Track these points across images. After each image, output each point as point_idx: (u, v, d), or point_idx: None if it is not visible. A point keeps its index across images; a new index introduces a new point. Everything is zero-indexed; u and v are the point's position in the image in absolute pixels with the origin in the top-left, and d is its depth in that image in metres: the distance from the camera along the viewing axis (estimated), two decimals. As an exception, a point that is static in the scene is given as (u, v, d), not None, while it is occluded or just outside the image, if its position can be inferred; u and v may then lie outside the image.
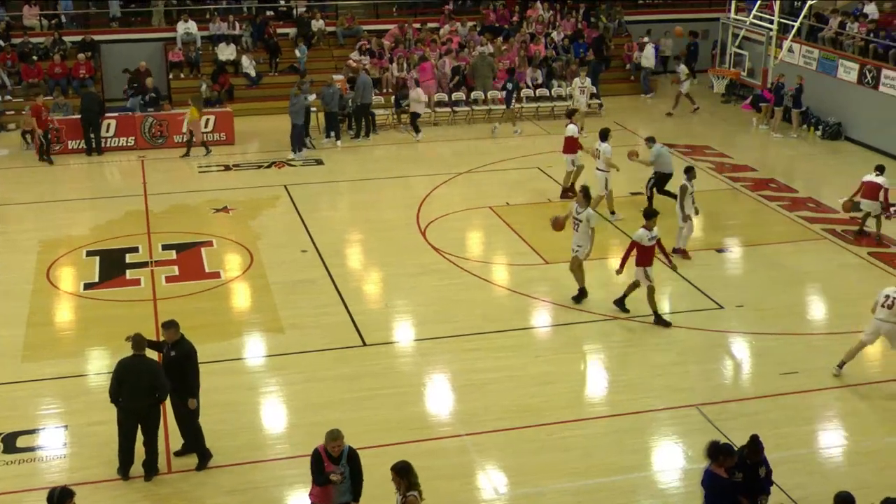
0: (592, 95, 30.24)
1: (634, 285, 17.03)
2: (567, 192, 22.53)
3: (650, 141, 22.08)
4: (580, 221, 17.36)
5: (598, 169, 21.39)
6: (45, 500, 9.79)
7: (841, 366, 15.22)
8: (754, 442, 10.93)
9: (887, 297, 14.72)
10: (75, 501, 9.89)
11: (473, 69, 31.23)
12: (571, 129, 22.61)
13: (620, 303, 17.28)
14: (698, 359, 15.87)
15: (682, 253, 19.46)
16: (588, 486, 12.57)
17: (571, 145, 22.53)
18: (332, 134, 27.51)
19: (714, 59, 32.05)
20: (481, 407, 14.34)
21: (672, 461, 13.28)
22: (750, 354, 16.32)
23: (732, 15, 29.72)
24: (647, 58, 33.25)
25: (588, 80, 29.17)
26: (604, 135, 21.53)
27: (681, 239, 19.56)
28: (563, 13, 35.56)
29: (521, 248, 19.92)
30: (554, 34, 34.27)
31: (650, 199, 21.42)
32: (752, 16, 28.81)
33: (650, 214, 16.94)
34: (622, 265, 17.02)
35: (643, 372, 15.39)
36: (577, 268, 17.59)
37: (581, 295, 17.64)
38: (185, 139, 26.83)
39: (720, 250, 20.22)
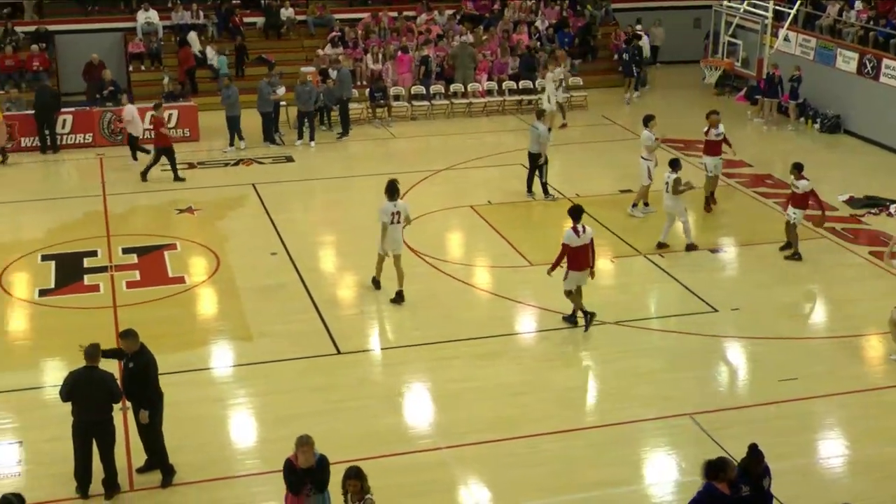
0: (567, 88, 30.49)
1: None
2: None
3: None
4: None
5: (641, 157, 21.59)
6: None
7: None
8: (754, 452, 10.88)
9: None
10: None
11: (454, 59, 31.28)
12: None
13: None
14: (691, 365, 15.94)
15: (693, 247, 19.98)
16: (572, 501, 12.61)
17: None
18: (305, 134, 27.40)
19: (706, 50, 32.17)
20: (460, 418, 14.36)
21: (664, 474, 13.33)
22: (746, 360, 16.41)
23: (726, 2, 29.89)
24: (643, 48, 33.31)
25: (559, 70, 29.14)
26: (646, 121, 21.81)
27: (687, 233, 19.98)
28: (546, 1, 35.65)
29: (504, 248, 19.97)
30: (538, 23, 34.37)
31: None
32: (746, 3, 28.97)
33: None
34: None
35: (632, 379, 15.45)
36: None
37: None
38: None
39: (714, 251, 20.33)
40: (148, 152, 25.08)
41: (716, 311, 17.65)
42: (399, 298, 17.79)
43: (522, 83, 31.36)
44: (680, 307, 17.91)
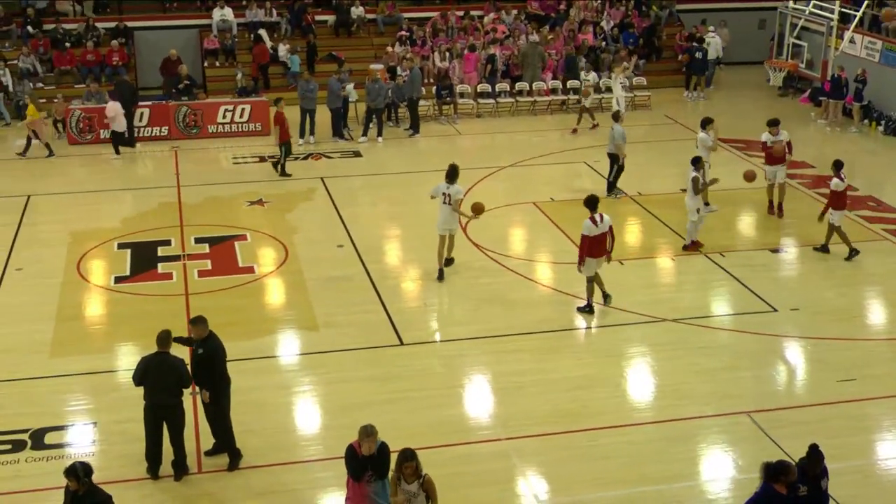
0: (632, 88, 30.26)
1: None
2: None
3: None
4: None
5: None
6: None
7: None
8: (814, 452, 10.68)
9: None
10: None
11: (523, 58, 31.20)
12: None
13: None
14: (750, 364, 15.73)
15: (697, 245, 19.71)
16: (631, 496, 12.51)
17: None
18: (372, 130, 27.46)
19: (771, 51, 31.76)
20: (520, 411, 14.32)
21: (721, 471, 13.17)
22: (805, 360, 16.16)
23: (791, 4, 29.47)
24: (714, 48, 32.87)
25: (622, 75, 28.87)
26: (703, 124, 21.69)
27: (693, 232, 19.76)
28: (612, 2, 35.41)
29: (566, 245, 19.85)
30: (603, 23, 34.16)
31: None
32: (811, 5, 28.54)
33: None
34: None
35: (691, 377, 15.29)
36: None
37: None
38: (27, 139, 26.25)
39: (775, 250, 20.05)
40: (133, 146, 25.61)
41: (775, 310, 17.40)
42: (440, 276, 18.37)
43: (570, 83, 31.10)
44: (739, 306, 17.69)
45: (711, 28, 33.32)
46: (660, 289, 18.61)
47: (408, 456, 10.29)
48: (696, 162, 19.44)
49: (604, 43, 33.31)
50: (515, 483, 12.80)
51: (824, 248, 19.63)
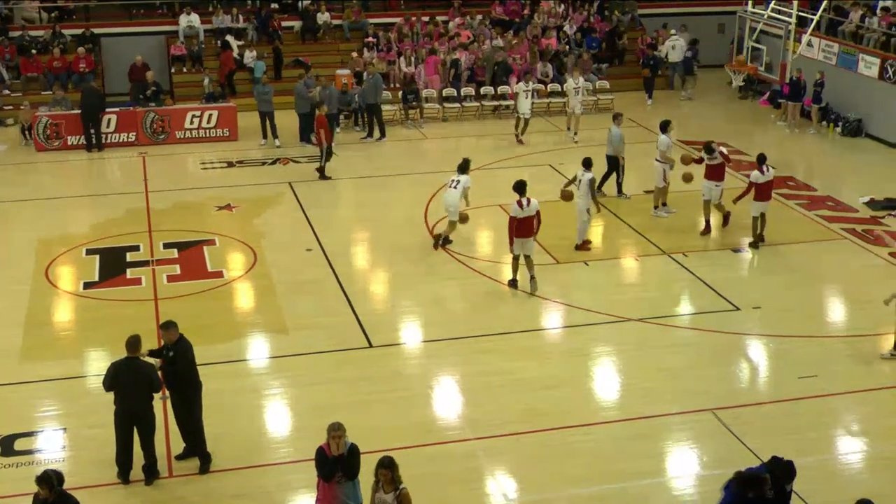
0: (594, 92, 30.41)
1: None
2: None
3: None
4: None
5: (656, 160, 21.52)
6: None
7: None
8: (789, 468, 10.61)
9: None
10: None
11: (486, 62, 31.28)
12: None
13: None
14: (713, 362, 15.85)
15: (587, 244, 19.93)
16: (599, 493, 12.57)
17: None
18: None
19: (731, 54, 32.00)
20: (489, 411, 14.35)
21: (686, 467, 13.26)
22: (767, 357, 16.30)
23: (750, 8, 29.72)
24: (677, 52, 33.00)
25: (581, 78, 28.94)
26: (663, 126, 21.74)
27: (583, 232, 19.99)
28: (574, 6, 35.54)
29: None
30: (566, 27, 34.28)
31: None
32: (770, 9, 28.80)
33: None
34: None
35: (655, 375, 15.38)
36: None
37: None
38: None
39: (736, 250, 20.20)
40: None
41: (737, 309, 17.53)
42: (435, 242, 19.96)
43: (551, 86, 31.32)
44: (702, 305, 17.82)
45: (674, 31, 33.50)
46: (624, 289, 18.69)
47: (383, 463, 10.24)
48: (588, 164, 19.64)
49: (567, 47, 33.42)
50: (485, 482, 12.83)
51: (756, 243, 20.14)
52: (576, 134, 27.72)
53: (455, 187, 19.61)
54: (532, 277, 17.95)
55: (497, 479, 12.92)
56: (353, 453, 10.63)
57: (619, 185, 22.85)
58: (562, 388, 14.95)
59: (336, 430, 10.51)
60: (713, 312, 17.46)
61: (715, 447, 13.38)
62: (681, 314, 17.52)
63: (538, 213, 17.73)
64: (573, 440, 13.67)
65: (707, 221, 20.76)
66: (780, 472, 10.61)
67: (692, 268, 19.13)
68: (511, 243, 17.79)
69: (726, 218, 20.94)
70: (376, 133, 27.96)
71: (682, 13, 36.08)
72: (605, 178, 22.68)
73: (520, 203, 17.57)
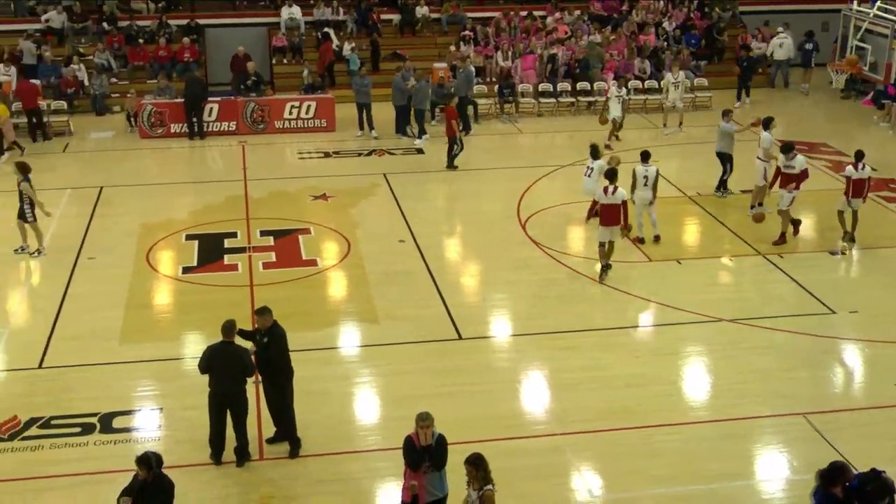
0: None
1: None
2: None
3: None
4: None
5: (757, 158, 21.17)
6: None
7: None
8: (885, 488, 10.11)
9: None
10: None
11: (582, 59, 31.05)
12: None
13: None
14: (807, 365, 15.51)
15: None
16: (685, 493, 12.41)
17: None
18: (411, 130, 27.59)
19: (834, 53, 31.29)
20: (576, 406, 14.27)
21: (776, 470, 13.00)
22: (863, 362, 15.90)
23: (855, 6, 29.01)
24: (784, 49, 32.31)
25: (682, 73, 28.55)
26: (766, 123, 21.37)
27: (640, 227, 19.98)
28: (674, 2, 35.11)
29: (624, 244, 19.70)
30: (665, 24, 33.87)
31: None
32: (876, 7, 28.06)
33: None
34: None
35: (746, 377, 15.10)
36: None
37: None
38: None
39: (834, 252, 19.73)
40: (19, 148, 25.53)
41: (833, 312, 17.14)
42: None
43: (648, 83, 31.00)
44: (797, 308, 17.44)
45: (781, 29, 32.78)
46: (717, 289, 18.41)
47: (468, 460, 10.22)
48: (646, 156, 19.82)
49: (665, 44, 33.02)
50: (570, 478, 12.76)
51: (849, 237, 19.77)
52: (680, 125, 27.46)
53: (590, 175, 20.21)
54: (605, 267, 18.21)
55: (582, 474, 12.83)
56: (441, 444, 10.66)
57: (724, 182, 22.46)
58: (649, 387, 14.78)
59: (424, 420, 10.56)
60: (808, 315, 17.08)
61: (806, 452, 13.09)
62: (774, 316, 17.16)
63: (625, 203, 17.98)
64: (660, 439, 13.51)
65: (795, 224, 20.26)
66: (873, 488, 10.21)
67: (787, 269, 18.75)
68: (588, 217, 19.44)
69: (796, 226, 20.26)
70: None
71: (784, 10, 35.38)
72: (726, 174, 22.38)
73: (606, 189, 17.94)
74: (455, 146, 24.61)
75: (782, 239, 19.74)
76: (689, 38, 33.39)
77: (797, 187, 19.66)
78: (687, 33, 33.57)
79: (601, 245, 18.18)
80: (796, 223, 20.23)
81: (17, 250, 19.49)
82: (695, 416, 14.17)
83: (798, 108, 30.44)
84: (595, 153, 20.47)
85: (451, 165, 24.64)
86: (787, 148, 19.84)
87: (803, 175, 19.72)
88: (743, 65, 31.16)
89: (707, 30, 33.90)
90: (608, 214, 17.97)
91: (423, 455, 10.57)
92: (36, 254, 19.37)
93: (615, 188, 17.92)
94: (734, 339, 16.31)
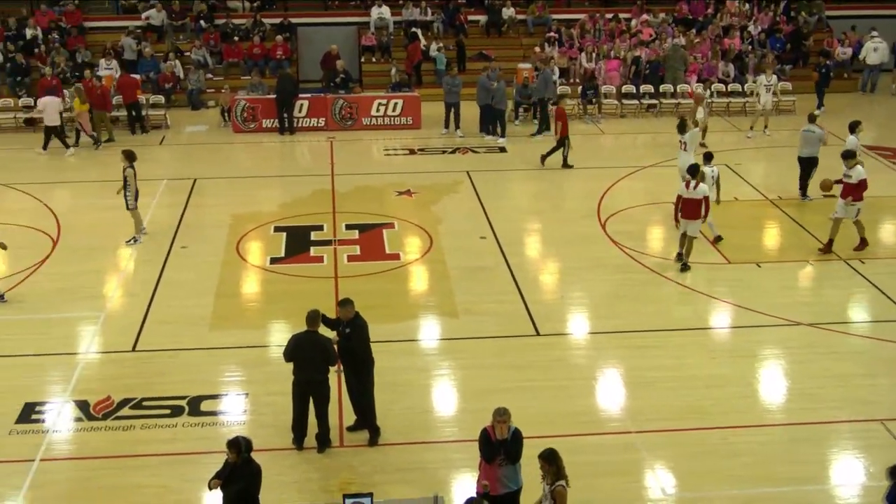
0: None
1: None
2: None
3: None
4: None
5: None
6: (225, 455, 10.31)
7: None
8: None
9: None
10: None
11: (666, 61, 30.74)
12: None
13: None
14: (887, 372, 15.12)
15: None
16: (758, 495, 12.21)
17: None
18: (494, 129, 27.45)
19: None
20: (651, 405, 14.13)
21: (852, 476, 12.71)
22: (945, 371, 15.48)
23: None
24: (878, 54, 31.51)
25: (774, 77, 28.02)
26: (852, 127, 21.00)
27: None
28: (760, 6, 34.54)
29: (704, 246, 19.46)
30: (751, 27, 33.33)
31: None
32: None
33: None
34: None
35: (824, 381, 14.80)
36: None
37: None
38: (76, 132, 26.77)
39: (917, 259, 19.25)
40: (68, 146, 25.83)
41: (915, 319, 16.73)
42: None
43: (731, 86, 30.55)
44: (878, 314, 17.02)
45: (875, 33, 31.99)
46: (796, 292, 18.08)
47: (541, 454, 10.17)
48: (708, 157, 19.85)
49: (750, 47, 32.49)
50: (643, 475, 12.64)
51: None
52: (766, 128, 26.99)
53: (685, 148, 21.05)
54: (682, 255, 18.47)
55: (655, 473, 12.70)
56: (517, 438, 10.64)
57: (806, 186, 22.04)
58: (725, 388, 14.57)
59: (501, 415, 10.55)
60: (889, 321, 16.66)
61: (883, 458, 12.73)
62: (854, 321, 16.81)
63: (706, 199, 18.11)
64: (735, 440, 13.31)
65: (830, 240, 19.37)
66: None
67: (869, 275, 18.33)
68: (676, 219, 19.20)
69: (862, 241, 19.41)
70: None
71: (872, 15, 34.54)
72: (803, 179, 21.99)
73: (687, 184, 18.31)
74: (564, 146, 24.31)
75: (863, 244, 19.26)
76: (773, 41, 32.81)
77: (857, 198, 18.90)
78: (772, 37, 32.98)
79: (682, 234, 18.55)
80: (863, 240, 19.43)
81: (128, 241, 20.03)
82: (770, 419, 13.93)
83: (881, 113, 29.66)
84: (682, 128, 21.20)
85: (565, 165, 24.40)
86: (848, 154, 19.21)
87: (862, 185, 18.89)
88: (822, 71, 30.44)
89: (792, 34, 33.28)
90: (687, 208, 18.28)
91: (499, 449, 10.57)
92: (132, 241, 19.81)
93: (696, 183, 18.10)
94: (812, 343, 16.00)
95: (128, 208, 19.77)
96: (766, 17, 34.02)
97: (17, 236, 19.92)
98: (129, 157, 19.76)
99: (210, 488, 10.40)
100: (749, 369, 15.24)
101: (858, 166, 18.91)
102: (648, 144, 27.05)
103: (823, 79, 30.25)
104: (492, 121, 27.29)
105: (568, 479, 10.17)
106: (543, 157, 24.54)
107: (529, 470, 10.64)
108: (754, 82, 29.04)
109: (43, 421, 13.69)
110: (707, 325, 16.81)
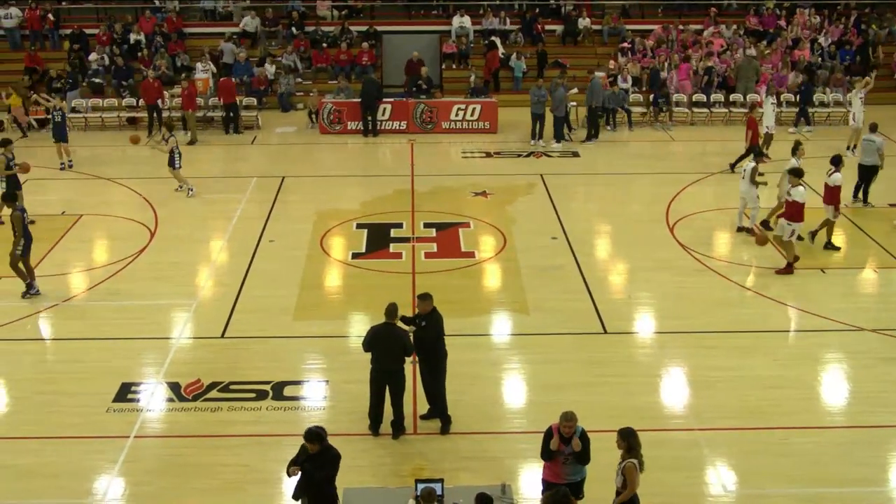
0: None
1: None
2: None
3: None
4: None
5: None
6: (303, 438, 10.38)
7: None
8: None
9: None
10: None
11: (738, 71, 30.32)
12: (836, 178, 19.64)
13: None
14: (948, 379, 14.75)
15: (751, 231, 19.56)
16: (815, 495, 11.97)
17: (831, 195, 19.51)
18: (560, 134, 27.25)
19: None
20: (714, 404, 13.94)
21: (909, 480, 12.45)
22: None
23: None
24: None
25: (863, 92, 27.15)
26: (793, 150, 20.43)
27: (752, 219, 19.83)
28: (831, 18, 33.81)
29: (768, 251, 19.13)
30: (821, 39, 32.65)
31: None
32: None
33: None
34: None
35: (885, 386, 14.45)
36: None
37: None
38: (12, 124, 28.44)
39: (981, 269, 18.69)
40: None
41: (978, 328, 16.24)
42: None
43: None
44: (940, 321, 16.60)
45: None
46: (860, 298, 17.68)
47: (619, 431, 10.27)
48: (756, 154, 20.54)
49: (820, 59, 31.84)
50: (705, 472, 12.49)
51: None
52: (855, 147, 25.57)
53: (744, 177, 20.05)
54: (830, 243, 19.25)
55: (717, 469, 12.54)
56: (584, 440, 10.53)
57: (867, 193, 21.55)
58: (786, 389, 14.32)
59: (568, 420, 10.42)
60: (951, 329, 16.24)
61: (941, 463, 12.48)
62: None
63: (795, 202, 18.08)
64: (795, 441, 13.07)
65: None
66: None
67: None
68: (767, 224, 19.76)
69: (788, 266, 18.42)
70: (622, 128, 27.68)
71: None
72: (858, 187, 21.52)
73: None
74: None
75: (788, 268, 18.27)
76: (843, 53, 32.10)
77: (793, 219, 18.16)
78: (842, 49, 32.28)
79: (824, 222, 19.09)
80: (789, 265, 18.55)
81: (176, 189, 22.73)
82: (830, 421, 13.66)
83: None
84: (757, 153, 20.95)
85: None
86: (794, 172, 18.62)
87: (797, 207, 18.10)
88: None
89: (862, 46, 32.52)
90: (828, 194, 19.04)
91: (559, 453, 10.48)
92: (190, 191, 22.48)
93: (832, 171, 18.91)
94: (874, 348, 15.63)
95: (174, 167, 22.42)
96: (837, 29, 33.30)
97: (119, 228, 20.39)
98: (170, 127, 23.15)
99: (289, 475, 10.41)
100: (810, 372, 14.94)
101: (800, 187, 18.20)
102: (717, 151, 26.65)
103: None
104: (556, 125, 27.08)
105: (642, 460, 10.11)
106: (732, 165, 24.16)
107: (592, 463, 10.57)
108: (849, 101, 27.82)
109: (138, 400, 14.00)
110: (770, 327, 16.51)
